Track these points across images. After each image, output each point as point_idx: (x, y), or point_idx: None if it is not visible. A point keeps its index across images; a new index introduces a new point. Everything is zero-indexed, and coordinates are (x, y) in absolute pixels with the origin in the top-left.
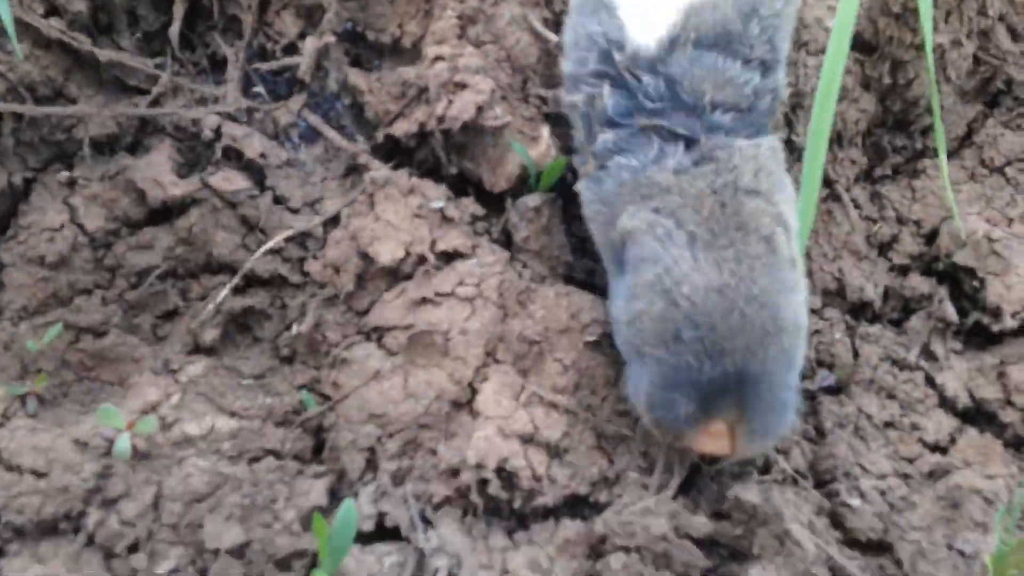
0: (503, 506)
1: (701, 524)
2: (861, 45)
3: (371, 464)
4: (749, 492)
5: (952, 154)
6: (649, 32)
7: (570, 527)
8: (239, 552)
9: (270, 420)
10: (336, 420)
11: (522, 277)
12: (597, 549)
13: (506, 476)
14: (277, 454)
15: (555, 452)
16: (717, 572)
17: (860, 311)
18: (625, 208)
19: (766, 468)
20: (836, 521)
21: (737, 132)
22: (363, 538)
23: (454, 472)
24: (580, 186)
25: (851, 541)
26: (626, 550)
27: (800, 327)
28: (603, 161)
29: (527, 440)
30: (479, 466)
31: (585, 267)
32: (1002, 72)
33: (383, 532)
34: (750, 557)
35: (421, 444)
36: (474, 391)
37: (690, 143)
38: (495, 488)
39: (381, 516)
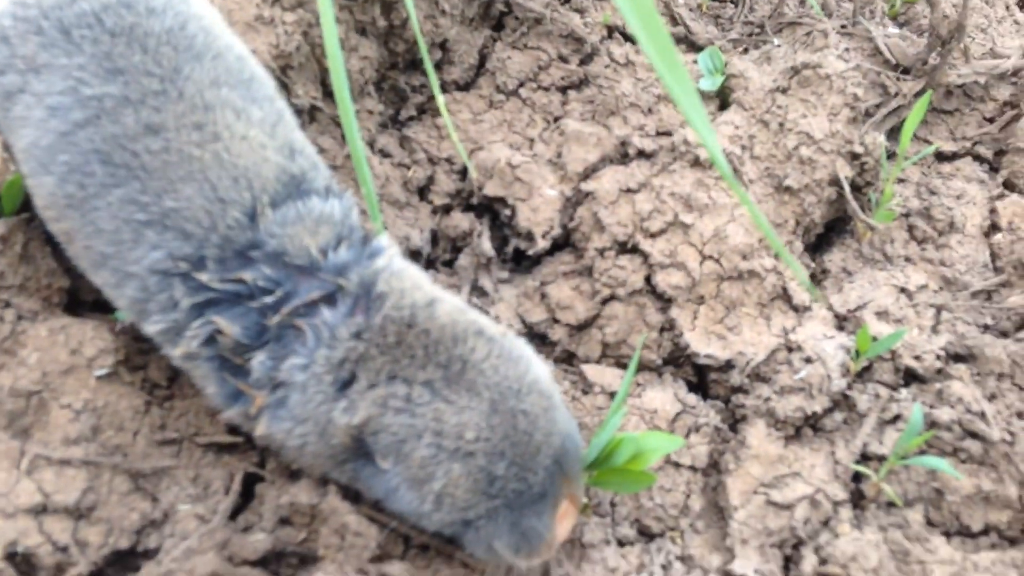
0: None
1: (258, 542)
2: None
3: None
4: (303, 493)
5: (469, 84)
6: (215, 221)
7: None
8: None
9: None
10: None
11: (4, 320)
12: None
13: (21, 559)
14: None
15: (79, 513)
16: None
17: (413, 260)
18: (332, 407)
19: None
20: None
21: (358, 259)
22: None
23: None
24: (261, 429)
25: None
26: None
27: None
28: (271, 384)
29: (39, 512)
30: None
31: (91, 286)
32: None
33: None
34: (316, 562)
35: None
36: None
37: (331, 299)
38: None
39: None
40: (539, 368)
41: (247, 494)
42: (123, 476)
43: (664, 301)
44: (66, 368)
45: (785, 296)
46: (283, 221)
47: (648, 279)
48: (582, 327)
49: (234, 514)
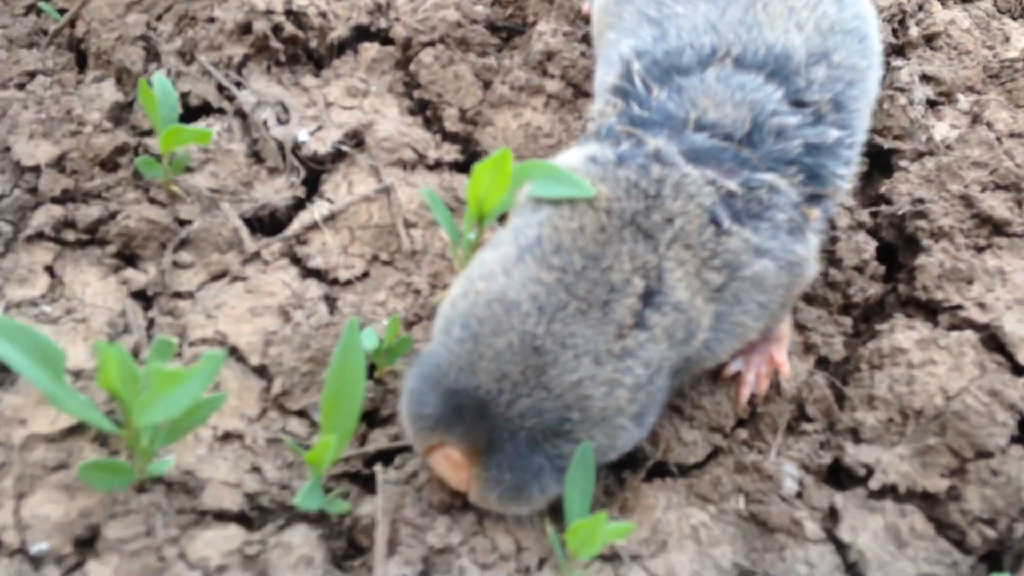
0: (300, 52)
1: (481, 11)
2: None
3: (151, 53)
4: None
5: None
6: (686, 39)
7: (371, 48)
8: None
9: (16, 45)
10: (90, 26)
11: None
12: (405, 55)
13: (295, 17)
14: (46, 72)
15: None
16: (505, 45)
17: None
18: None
19: None
20: None
21: (719, 163)
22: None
23: (245, 28)
24: None
25: None
26: (432, 44)
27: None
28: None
29: None
30: (269, 12)
31: None
32: None
33: (192, 113)
34: (526, 28)
35: (196, 17)
36: None
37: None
38: (291, 29)
39: (184, 97)
40: (625, 391)
41: None
42: None
43: None
44: None
45: None
46: (724, 79)
47: None
48: None
49: None
